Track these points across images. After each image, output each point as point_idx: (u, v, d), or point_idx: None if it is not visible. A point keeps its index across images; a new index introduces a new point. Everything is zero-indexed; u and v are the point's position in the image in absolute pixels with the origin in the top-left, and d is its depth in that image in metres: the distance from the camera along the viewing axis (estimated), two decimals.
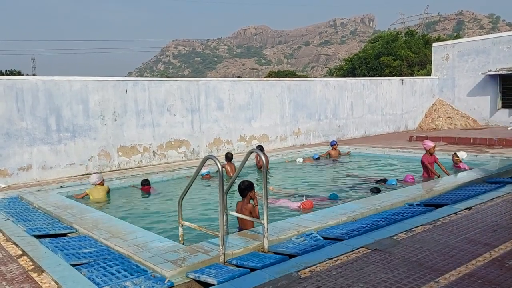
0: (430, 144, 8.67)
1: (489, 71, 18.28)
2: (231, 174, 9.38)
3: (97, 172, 9.30)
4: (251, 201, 5.49)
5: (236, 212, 5.29)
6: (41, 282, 3.87)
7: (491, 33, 24.35)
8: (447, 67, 19.97)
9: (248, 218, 5.05)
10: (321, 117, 16.05)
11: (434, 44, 21.37)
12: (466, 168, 8.99)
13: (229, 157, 9.76)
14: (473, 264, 3.74)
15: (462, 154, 9.58)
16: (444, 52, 20.13)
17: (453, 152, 9.78)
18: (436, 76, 20.36)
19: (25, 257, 4.60)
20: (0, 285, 3.86)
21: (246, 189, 5.46)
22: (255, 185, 5.65)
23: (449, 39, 26.80)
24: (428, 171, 8.60)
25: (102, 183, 8.44)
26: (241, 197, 5.53)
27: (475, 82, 18.97)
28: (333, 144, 12.59)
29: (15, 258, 4.59)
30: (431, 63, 21.31)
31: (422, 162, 8.72)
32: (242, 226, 5.49)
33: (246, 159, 4.89)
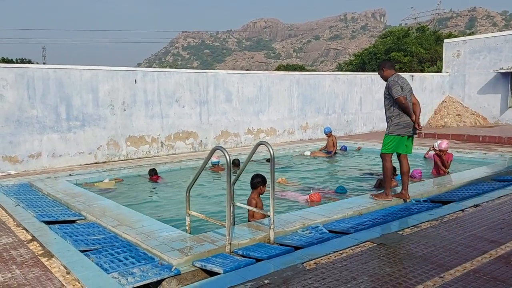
0: (442, 144, 8.63)
1: (500, 68, 18.07)
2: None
3: None
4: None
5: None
6: (50, 266, 3.94)
7: (504, 31, 24.06)
8: (458, 64, 19.78)
9: (255, 209, 5.08)
10: (330, 111, 16.01)
11: (445, 41, 21.16)
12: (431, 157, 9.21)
13: (236, 163, 9.78)
14: (478, 260, 3.74)
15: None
16: (455, 49, 19.93)
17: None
18: (447, 73, 20.18)
19: (34, 242, 4.68)
20: (11, 268, 3.94)
21: (258, 182, 5.50)
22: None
23: (461, 36, 26.52)
24: (438, 168, 8.58)
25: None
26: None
27: (486, 79, 18.78)
28: (327, 132, 12.30)
29: (25, 243, 4.68)
30: (442, 59, 21.12)
31: (434, 158, 8.78)
32: (249, 217, 5.53)
33: (254, 151, 4.91)
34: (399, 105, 5.77)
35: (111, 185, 8.52)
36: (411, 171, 8.54)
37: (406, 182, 6.05)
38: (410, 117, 5.85)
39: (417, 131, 5.99)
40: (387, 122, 6.02)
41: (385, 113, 6.04)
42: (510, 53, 17.98)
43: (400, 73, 20.87)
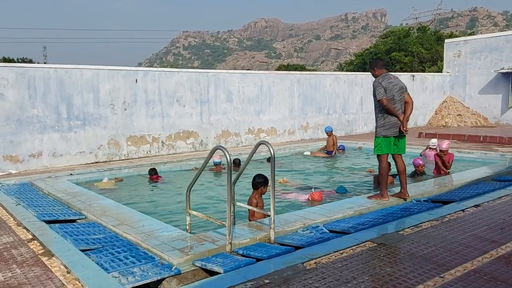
0: (442, 145, 8.64)
1: (501, 68, 18.06)
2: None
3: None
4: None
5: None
6: (50, 266, 3.94)
7: (505, 31, 24.06)
8: (459, 64, 19.76)
9: (255, 209, 5.08)
10: (330, 111, 16.00)
11: (446, 41, 21.14)
12: (428, 154, 9.31)
13: (236, 162, 9.78)
14: (479, 260, 3.74)
15: (433, 141, 10.15)
16: (456, 49, 19.91)
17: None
18: (448, 73, 20.17)
19: (35, 241, 4.68)
20: (11, 267, 3.94)
21: (259, 183, 5.49)
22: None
23: (462, 36, 26.49)
24: (438, 168, 8.57)
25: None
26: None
27: (487, 79, 18.76)
28: (328, 131, 12.24)
29: (26, 242, 4.68)
30: (443, 59, 21.10)
31: (434, 159, 8.78)
32: (250, 217, 5.53)
33: (254, 150, 4.90)
34: (383, 107, 5.81)
35: (111, 185, 8.52)
36: (411, 161, 8.55)
37: (404, 181, 6.06)
38: (398, 118, 5.80)
39: (404, 133, 5.87)
40: (375, 123, 6.08)
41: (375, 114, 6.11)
42: (511, 53, 17.96)
43: (401, 73, 20.77)
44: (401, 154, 6.06)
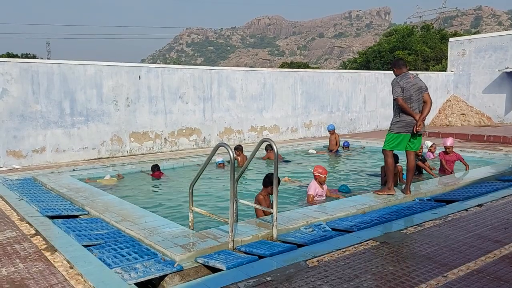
0: (447, 142, 8.63)
1: (506, 68, 17.96)
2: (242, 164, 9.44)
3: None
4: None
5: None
6: (53, 261, 3.95)
7: (510, 30, 23.93)
8: (463, 63, 19.67)
9: (257, 206, 5.08)
10: (333, 109, 15.97)
11: (450, 39, 21.04)
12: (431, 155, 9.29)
13: (239, 148, 9.79)
14: (482, 260, 3.73)
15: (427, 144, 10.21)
16: (460, 48, 19.81)
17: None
18: (452, 71, 20.08)
19: (38, 236, 4.69)
20: (14, 262, 3.95)
21: (269, 182, 5.46)
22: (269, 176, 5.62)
23: (467, 35, 26.37)
24: (443, 168, 8.56)
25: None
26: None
27: (491, 79, 18.67)
28: (330, 130, 12.24)
29: (29, 237, 4.69)
30: (447, 58, 21.01)
31: (440, 158, 8.79)
32: (257, 213, 5.54)
33: (257, 148, 4.90)
34: (398, 106, 5.99)
35: (112, 182, 8.52)
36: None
37: (410, 178, 6.20)
38: (413, 117, 5.94)
39: (419, 131, 6.01)
40: (392, 120, 6.26)
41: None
42: None
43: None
44: (413, 152, 6.23)
